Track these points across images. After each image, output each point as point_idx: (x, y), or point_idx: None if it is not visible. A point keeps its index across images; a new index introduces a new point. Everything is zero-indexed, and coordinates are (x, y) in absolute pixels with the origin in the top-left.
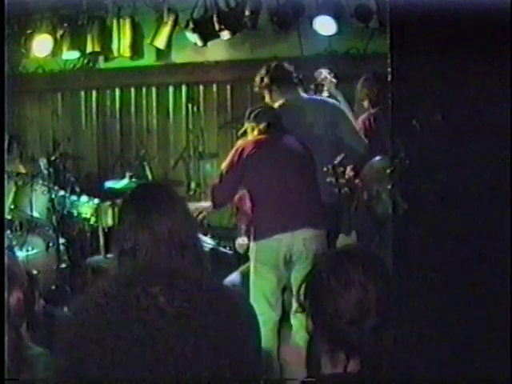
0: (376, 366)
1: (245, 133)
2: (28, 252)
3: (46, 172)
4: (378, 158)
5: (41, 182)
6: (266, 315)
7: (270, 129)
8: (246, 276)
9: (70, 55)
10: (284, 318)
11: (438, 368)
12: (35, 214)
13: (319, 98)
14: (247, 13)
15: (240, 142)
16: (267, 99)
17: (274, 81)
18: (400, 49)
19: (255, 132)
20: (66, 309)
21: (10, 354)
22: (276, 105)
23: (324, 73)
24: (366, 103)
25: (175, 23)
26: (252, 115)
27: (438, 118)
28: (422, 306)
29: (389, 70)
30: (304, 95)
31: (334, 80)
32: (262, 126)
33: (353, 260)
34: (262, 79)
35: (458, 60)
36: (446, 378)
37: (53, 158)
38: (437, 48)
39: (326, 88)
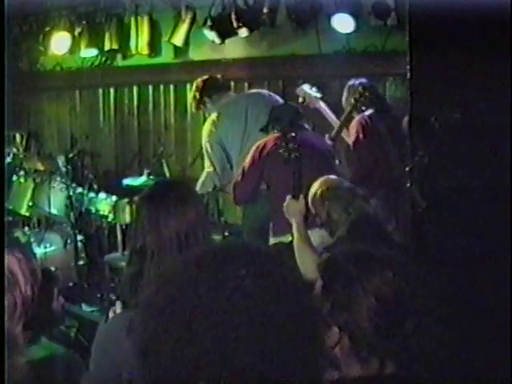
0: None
1: (266, 130)
2: (46, 249)
3: (64, 169)
4: (328, 176)
5: (59, 179)
6: None
7: (290, 126)
8: None
9: (88, 53)
10: None
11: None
12: (53, 211)
13: (246, 93)
14: (265, 10)
15: (261, 140)
16: (206, 113)
17: (204, 94)
18: (419, 46)
19: (276, 129)
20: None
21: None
22: (212, 116)
23: (305, 88)
24: (352, 110)
25: (193, 21)
26: (273, 113)
27: (457, 115)
28: (439, 304)
29: (407, 67)
30: (233, 94)
31: (317, 95)
32: (283, 123)
33: (371, 262)
34: (194, 97)
35: (477, 57)
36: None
37: (71, 156)
38: (456, 45)
39: (309, 104)
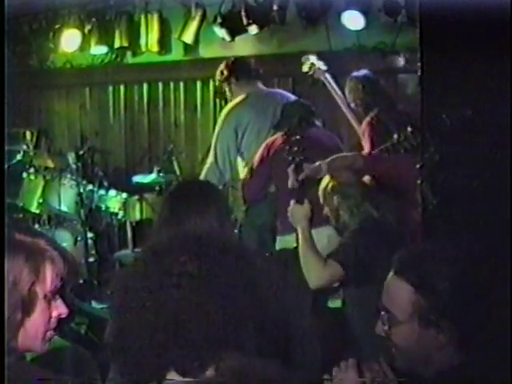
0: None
1: (279, 127)
2: None
3: (74, 166)
4: (342, 171)
5: (69, 176)
6: None
7: (300, 123)
8: None
9: (98, 50)
10: None
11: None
12: (63, 208)
13: (278, 91)
14: (275, 7)
15: (270, 138)
16: (227, 93)
17: (232, 74)
18: (430, 43)
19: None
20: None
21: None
22: (238, 98)
23: (311, 58)
24: (355, 106)
25: (203, 18)
26: (285, 111)
27: (469, 112)
28: (452, 301)
29: (418, 64)
30: (263, 88)
31: (323, 67)
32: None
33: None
34: (221, 73)
35: (488, 54)
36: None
37: (81, 153)
38: (467, 42)
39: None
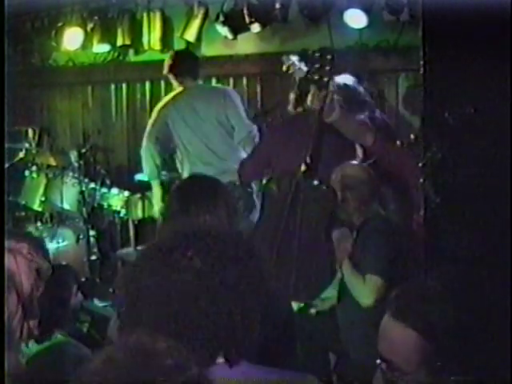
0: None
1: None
2: (58, 244)
3: (76, 164)
4: (349, 163)
5: (71, 174)
6: None
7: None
8: None
9: (101, 48)
10: None
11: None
12: (65, 206)
13: (213, 85)
14: (277, 6)
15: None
16: (174, 83)
17: (176, 66)
18: (432, 42)
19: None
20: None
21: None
22: (178, 89)
23: (292, 59)
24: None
25: (205, 16)
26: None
27: (471, 111)
28: (455, 301)
29: (421, 63)
30: (201, 83)
31: (303, 68)
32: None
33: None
34: (168, 64)
35: (490, 52)
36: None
37: (83, 151)
38: (469, 40)
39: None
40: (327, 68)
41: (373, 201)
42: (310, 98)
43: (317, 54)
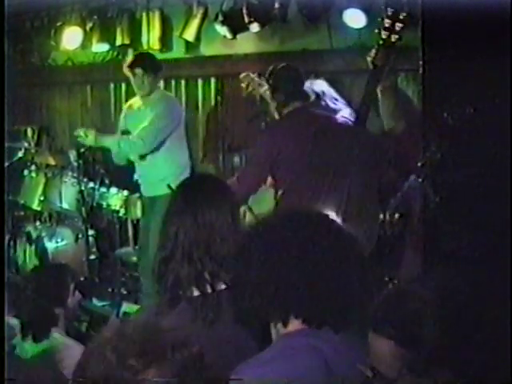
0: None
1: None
2: (57, 243)
3: (75, 164)
4: None
5: (70, 173)
6: None
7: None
8: None
9: (100, 48)
10: None
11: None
12: (64, 206)
13: (161, 94)
14: (277, 5)
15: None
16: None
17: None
18: (431, 41)
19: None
20: None
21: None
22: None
23: (252, 75)
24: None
25: (204, 16)
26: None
27: (470, 110)
28: (453, 301)
29: (420, 62)
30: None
31: (264, 84)
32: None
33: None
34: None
35: (490, 52)
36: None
37: (82, 150)
38: (469, 40)
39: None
40: None
41: None
42: None
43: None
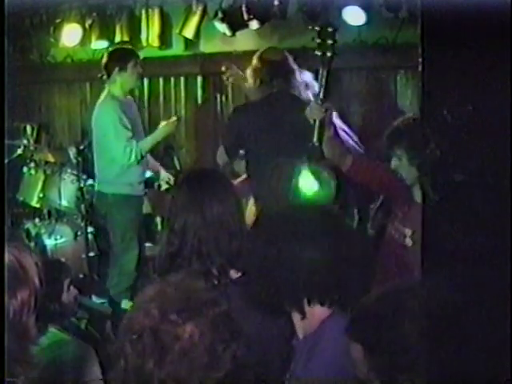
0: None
1: None
2: (56, 241)
3: (74, 161)
4: None
5: (69, 170)
6: None
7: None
8: None
9: (99, 45)
10: None
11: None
12: (64, 203)
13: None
14: (276, 2)
15: None
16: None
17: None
18: (431, 39)
19: None
20: None
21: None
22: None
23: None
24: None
25: (204, 13)
26: None
27: (470, 108)
28: (453, 301)
29: (419, 60)
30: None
31: (242, 74)
32: None
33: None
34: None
35: (490, 50)
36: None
37: (81, 147)
38: (468, 37)
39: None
40: None
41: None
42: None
43: None
